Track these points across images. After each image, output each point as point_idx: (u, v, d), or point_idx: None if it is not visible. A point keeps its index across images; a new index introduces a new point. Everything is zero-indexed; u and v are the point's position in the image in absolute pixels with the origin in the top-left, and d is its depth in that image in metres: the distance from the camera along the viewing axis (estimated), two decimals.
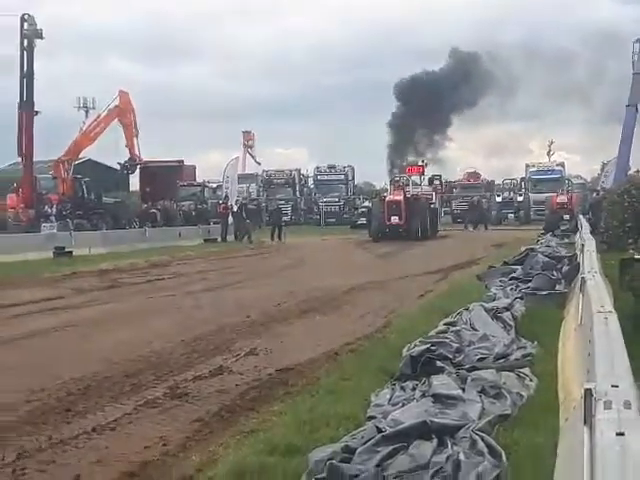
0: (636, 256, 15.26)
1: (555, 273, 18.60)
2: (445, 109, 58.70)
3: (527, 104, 57.77)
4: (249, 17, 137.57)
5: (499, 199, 69.83)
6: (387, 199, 47.23)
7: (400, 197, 46.12)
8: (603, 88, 55.13)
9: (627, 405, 3.76)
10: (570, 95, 56.22)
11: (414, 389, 9.12)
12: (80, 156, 51.85)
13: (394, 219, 44.74)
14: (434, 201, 53.80)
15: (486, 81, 58.25)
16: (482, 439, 7.07)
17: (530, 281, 18.27)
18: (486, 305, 14.57)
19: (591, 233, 23.62)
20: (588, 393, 3.96)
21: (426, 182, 53.50)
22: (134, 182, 58.41)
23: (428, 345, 10.70)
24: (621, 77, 53.97)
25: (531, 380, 9.53)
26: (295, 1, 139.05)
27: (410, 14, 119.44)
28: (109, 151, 55.95)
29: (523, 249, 24.55)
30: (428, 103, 56.46)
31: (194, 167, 69.09)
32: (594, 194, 50.19)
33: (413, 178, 51.57)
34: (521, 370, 9.98)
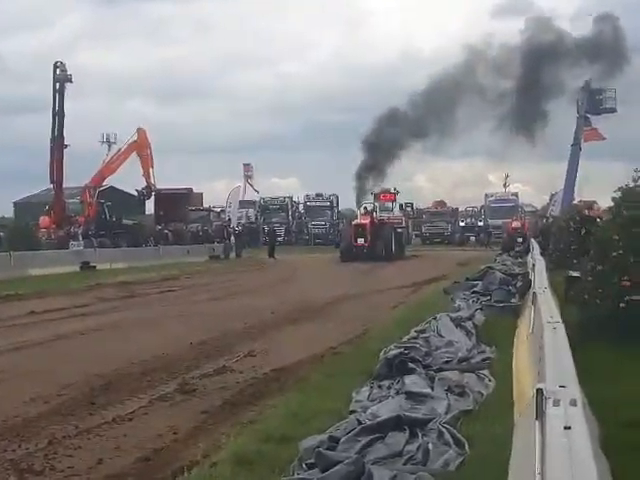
0: (575, 274, 15.26)
1: (510, 288, 18.62)
2: (405, 145, 56.89)
3: (487, 143, 57.21)
4: (251, 64, 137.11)
5: (462, 224, 69.79)
6: (354, 223, 45.89)
7: (366, 221, 44.52)
8: (551, 131, 54.88)
9: (573, 403, 3.78)
10: (524, 136, 55.58)
11: (389, 387, 9.13)
12: (103, 184, 51.89)
13: (360, 241, 43.23)
14: (403, 225, 51.84)
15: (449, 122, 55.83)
16: (448, 431, 7.09)
17: (489, 294, 18.32)
18: (451, 315, 14.59)
19: (541, 254, 23.59)
20: (539, 392, 3.97)
21: (397, 208, 51.94)
22: (149, 207, 58.14)
23: (401, 349, 10.72)
24: (565, 122, 54.43)
25: (490, 380, 9.53)
26: (291, 50, 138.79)
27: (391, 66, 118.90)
28: (128, 179, 55.93)
29: (483, 267, 24.57)
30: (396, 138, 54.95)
31: (201, 194, 68.81)
32: (544, 220, 50.19)
33: (385, 204, 50.14)
34: (481, 371, 10.00)
